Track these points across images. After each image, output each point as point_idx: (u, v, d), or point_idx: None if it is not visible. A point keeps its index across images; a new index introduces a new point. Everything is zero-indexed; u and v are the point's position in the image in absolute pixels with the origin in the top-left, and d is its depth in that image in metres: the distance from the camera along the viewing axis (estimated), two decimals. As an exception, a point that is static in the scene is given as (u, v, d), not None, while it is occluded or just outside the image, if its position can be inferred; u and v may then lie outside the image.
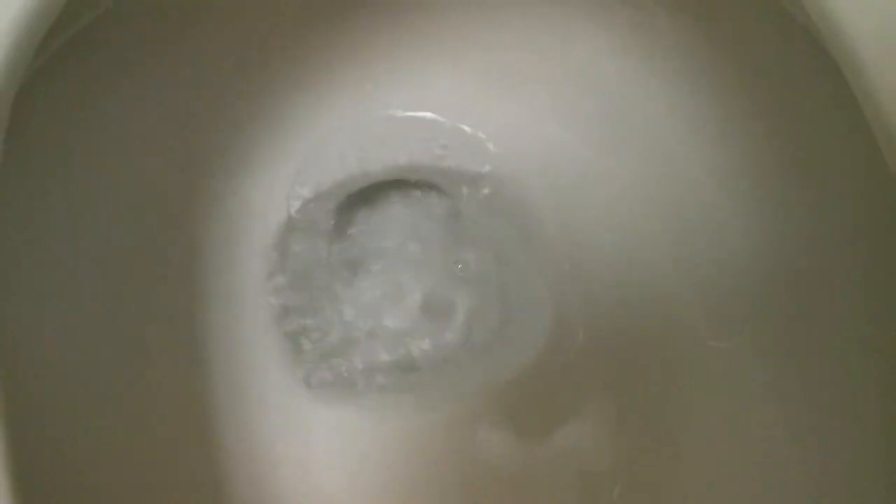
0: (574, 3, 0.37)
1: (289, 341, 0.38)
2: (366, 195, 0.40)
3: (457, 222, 0.41)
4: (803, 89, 0.31)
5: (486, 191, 0.40)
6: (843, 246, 0.31)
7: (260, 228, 0.39)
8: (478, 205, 0.41)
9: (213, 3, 0.34)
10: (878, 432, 0.30)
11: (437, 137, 0.41)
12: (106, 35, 0.31)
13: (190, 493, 0.34)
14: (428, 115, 0.42)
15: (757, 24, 0.31)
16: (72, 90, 0.31)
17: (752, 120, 0.33)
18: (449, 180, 0.41)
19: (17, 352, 0.28)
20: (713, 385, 0.35)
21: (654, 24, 0.35)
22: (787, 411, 0.33)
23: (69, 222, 0.32)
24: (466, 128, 0.41)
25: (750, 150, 0.33)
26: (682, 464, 0.35)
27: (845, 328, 0.31)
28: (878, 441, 0.30)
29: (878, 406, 0.30)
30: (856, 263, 0.31)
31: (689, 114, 0.35)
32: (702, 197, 0.34)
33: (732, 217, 0.33)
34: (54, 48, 0.29)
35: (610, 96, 0.37)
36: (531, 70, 0.40)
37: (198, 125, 0.36)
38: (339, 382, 0.38)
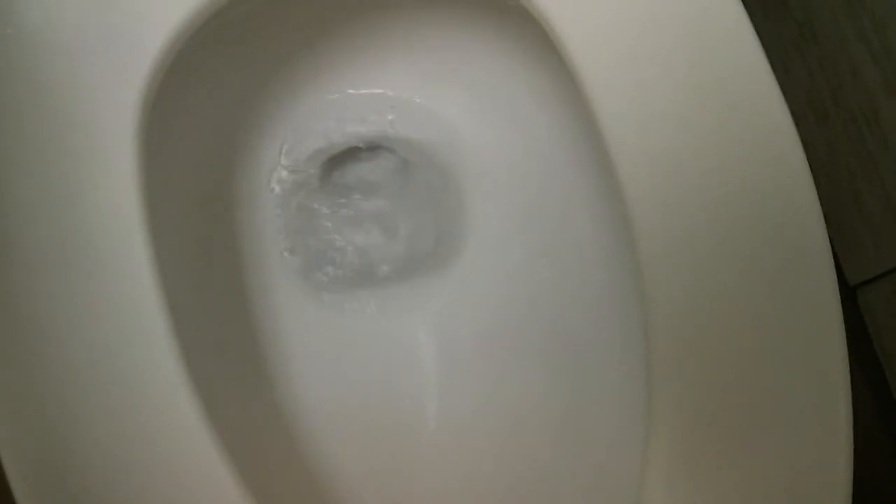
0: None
1: (291, 255, 0.56)
2: (339, 156, 0.58)
3: (404, 173, 0.58)
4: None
5: (425, 151, 0.58)
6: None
7: (266, 181, 0.56)
8: (419, 159, 0.58)
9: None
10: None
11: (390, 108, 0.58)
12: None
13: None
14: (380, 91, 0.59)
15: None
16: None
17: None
18: (398, 143, 0.58)
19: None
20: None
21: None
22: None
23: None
24: (417, 99, 0.58)
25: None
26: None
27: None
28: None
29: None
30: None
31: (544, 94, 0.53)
32: (548, 156, 0.54)
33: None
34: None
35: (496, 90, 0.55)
36: (453, 65, 0.57)
37: (237, 107, 0.53)
38: (328, 284, 0.56)
